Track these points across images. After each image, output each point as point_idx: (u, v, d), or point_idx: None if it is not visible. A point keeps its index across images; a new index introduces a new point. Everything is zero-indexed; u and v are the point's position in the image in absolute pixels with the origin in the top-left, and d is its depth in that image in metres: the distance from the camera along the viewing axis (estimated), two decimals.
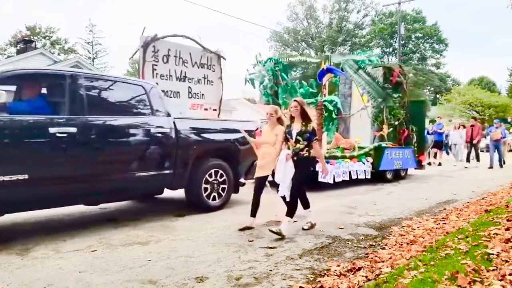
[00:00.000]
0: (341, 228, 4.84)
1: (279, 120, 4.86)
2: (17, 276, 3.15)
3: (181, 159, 5.27)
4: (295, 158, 4.49)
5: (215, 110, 8.12)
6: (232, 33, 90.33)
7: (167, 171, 5.13)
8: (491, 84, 51.60)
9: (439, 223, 5.09)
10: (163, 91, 6.56)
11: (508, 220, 4.51)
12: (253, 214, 4.79)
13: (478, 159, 14.62)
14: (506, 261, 3.07)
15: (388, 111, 10.01)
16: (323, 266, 3.45)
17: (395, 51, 45.34)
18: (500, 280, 2.68)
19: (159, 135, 5.08)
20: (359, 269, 3.28)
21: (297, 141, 4.49)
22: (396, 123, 10.27)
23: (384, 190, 8.36)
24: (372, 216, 5.65)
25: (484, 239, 3.78)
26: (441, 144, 15.44)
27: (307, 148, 4.47)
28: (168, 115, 5.28)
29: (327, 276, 3.16)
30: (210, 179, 5.66)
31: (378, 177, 9.44)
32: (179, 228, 4.77)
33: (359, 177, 8.74)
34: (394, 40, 47.24)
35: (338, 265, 3.41)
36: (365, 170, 8.94)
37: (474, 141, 14.33)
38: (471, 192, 8.11)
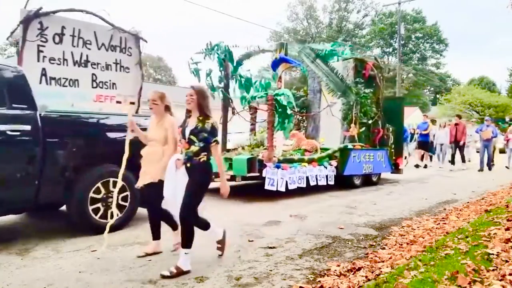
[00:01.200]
0: (341, 228, 4.84)
1: (167, 109, 3.80)
2: (17, 276, 3.15)
3: (51, 166, 4.04)
4: (188, 165, 3.35)
5: (133, 103, 6.48)
6: (232, 33, 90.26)
7: (25, 184, 3.87)
8: (491, 84, 51.60)
9: (439, 223, 5.09)
10: (53, 78, 5.62)
11: (508, 220, 4.51)
12: (155, 236, 3.80)
13: (463, 161, 13.73)
14: (506, 261, 3.07)
15: (359, 108, 8.83)
16: (323, 266, 3.45)
17: (395, 51, 45.35)
18: (500, 280, 2.68)
19: (13, 134, 3.79)
20: (359, 269, 3.28)
21: (190, 142, 3.33)
22: (370, 122, 9.18)
23: (384, 190, 8.36)
24: (372, 216, 5.65)
25: (484, 239, 3.78)
26: (427, 145, 14.32)
27: (204, 152, 3.31)
28: (32, 108, 4.00)
29: (327, 276, 3.16)
30: (101, 192, 4.39)
31: (343, 183, 8.36)
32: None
33: (319, 183, 7.58)
34: (394, 40, 47.24)
35: (338, 265, 3.41)
36: (327, 175, 7.78)
37: (461, 143, 13.36)
38: (471, 192, 8.12)
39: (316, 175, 7.55)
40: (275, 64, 8.38)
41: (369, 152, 8.76)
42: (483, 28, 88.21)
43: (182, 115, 3.48)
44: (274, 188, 6.65)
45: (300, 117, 10.39)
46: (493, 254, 3.27)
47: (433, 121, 34.30)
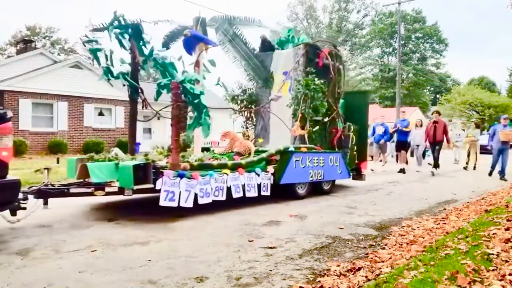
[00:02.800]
0: (341, 228, 4.84)
1: None
2: (17, 276, 3.15)
3: None
4: None
5: None
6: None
7: None
8: (491, 84, 51.64)
9: (439, 223, 5.09)
10: None
11: (508, 220, 4.51)
12: None
13: (436, 165, 11.62)
14: (506, 261, 3.07)
15: (308, 103, 7.29)
16: (323, 266, 3.45)
17: (395, 51, 45.36)
18: (500, 280, 2.69)
19: None
20: (359, 269, 3.29)
21: None
22: (326, 119, 7.83)
23: (384, 190, 8.36)
24: (372, 216, 5.65)
25: (484, 239, 3.78)
26: (406, 146, 12.60)
27: None
28: None
29: (327, 276, 3.16)
30: None
31: (282, 192, 6.87)
32: (179, 228, 4.77)
33: (248, 194, 6.12)
34: (394, 40, 47.26)
35: (338, 265, 3.41)
36: (259, 184, 6.33)
37: (437, 147, 11.50)
38: (471, 192, 8.12)
39: (244, 184, 6.08)
40: (188, 45, 6.65)
41: (318, 156, 7.18)
42: (483, 28, 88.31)
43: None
44: (173, 204, 5.13)
45: (248, 115, 8.92)
46: (493, 254, 3.27)
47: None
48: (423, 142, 12.08)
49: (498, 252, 3.31)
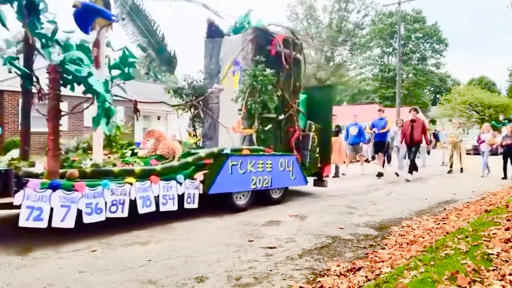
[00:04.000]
0: (341, 228, 4.84)
1: None
2: (17, 276, 3.15)
3: None
4: None
5: None
6: None
7: None
8: (491, 84, 51.64)
9: (439, 223, 5.09)
10: None
11: (508, 220, 4.51)
12: None
13: (413, 169, 10.23)
14: (506, 261, 3.07)
15: (256, 97, 6.24)
16: (323, 266, 3.45)
17: (395, 51, 45.35)
18: (500, 280, 2.69)
19: None
20: (359, 269, 3.29)
21: None
22: (281, 117, 6.81)
23: (384, 190, 8.35)
24: (372, 216, 5.65)
25: (484, 239, 3.78)
26: (384, 147, 11.17)
27: None
28: None
29: (327, 276, 3.16)
30: None
31: (217, 202, 5.76)
32: (179, 228, 4.77)
33: (163, 208, 4.94)
34: (394, 40, 47.24)
35: (338, 265, 3.41)
36: (181, 195, 5.15)
37: (413, 148, 10.04)
38: (471, 192, 8.11)
39: (158, 196, 4.89)
40: (81, 20, 4.81)
41: (265, 159, 6.08)
42: (483, 28, 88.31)
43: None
44: (42, 224, 3.93)
45: (195, 111, 7.81)
46: (493, 254, 3.27)
47: (434, 121, 34.34)
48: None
49: (498, 252, 3.31)
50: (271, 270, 3.33)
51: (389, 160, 13.05)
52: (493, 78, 69.16)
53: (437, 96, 51.04)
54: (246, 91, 6.29)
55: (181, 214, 5.53)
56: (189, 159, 5.49)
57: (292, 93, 7.14)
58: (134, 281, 3.07)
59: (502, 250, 3.36)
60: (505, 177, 10.42)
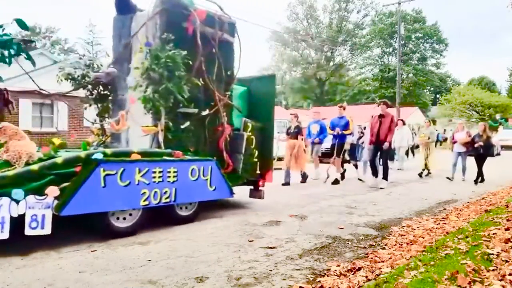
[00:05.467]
0: (341, 228, 4.84)
1: None
2: (17, 276, 3.15)
3: None
4: None
5: None
6: None
7: None
8: (491, 84, 51.67)
9: (439, 223, 5.09)
10: None
11: (508, 220, 4.51)
12: None
13: (385, 176, 8.86)
14: (506, 261, 3.07)
15: (158, 86, 4.81)
16: (323, 266, 3.45)
17: (395, 51, 45.34)
18: (500, 280, 2.69)
19: None
20: (359, 269, 3.29)
21: None
22: (205, 113, 5.43)
23: (384, 190, 8.35)
24: (372, 216, 5.65)
25: (484, 239, 3.79)
26: (342, 150, 9.52)
27: None
28: None
29: (327, 276, 3.16)
30: None
31: (90, 226, 4.49)
32: (179, 228, 4.77)
33: None
34: (394, 40, 47.23)
35: (338, 265, 3.41)
36: (14, 217, 3.67)
37: (385, 145, 8.43)
38: (471, 192, 8.11)
39: None
40: None
41: (164, 166, 4.65)
42: (483, 28, 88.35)
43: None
44: None
45: (103, 103, 6.25)
46: (493, 254, 3.28)
47: (434, 122, 34.31)
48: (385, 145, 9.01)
49: (498, 252, 3.31)
50: (271, 270, 3.33)
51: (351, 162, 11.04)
52: (493, 78, 69.27)
53: (437, 96, 51.06)
54: (143, 77, 4.91)
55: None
56: (35, 167, 3.90)
57: (221, 83, 5.72)
58: (134, 281, 3.07)
59: (502, 250, 3.36)
60: (477, 181, 9.56)
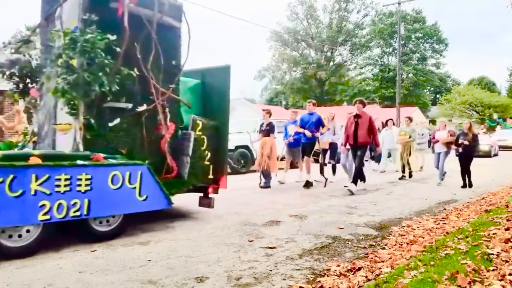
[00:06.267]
0: (341, 228, 4.84)
1: None
2: (17, 276, 3.15)
3: None
4: None
5: None
6: (232, 33, 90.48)
7: None
8: (491, 84, 51.68)
9: (439, 223, 5.09)
10: None
11: (508, 220, 4.51)
12: None
13: (361, 178, 8.08)
14: (506, 261, 3.07)
15: (85, 77, 4.01)
16: (323, 266, 3.45)
17: (395, 51, 45.34)
18: (500, 280, 2.69)
19: None
20: (359, 269, 3.29)
21: None
22: (141, 108, 4.70)
23: (384, 190, 8.35)
24: (372, 216, 5.65)
25: (484, 239, 3.78)
26: (312, 150, 8.72)
27: None
28: None
29: (327, 276, 3.16)
30: None
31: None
32: (179, 228, 4.77)
33: None
34: (394, 40, 47.24)
35: (338, 265, 3.41)
36: None
37: (359, 152, 7.75)
38: (471, 192, 8.11)
39: None
40: None
41: (73, 173, 3.84)
42: (483, 28, 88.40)
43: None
44: None
45: (30, 99, 5.36)
46: (493, 254, 3.27)
47: (434, 122, 34.26)
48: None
49: (498, 252, 3.31)
50: (271, 270, 3.33)
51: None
52: (493, 78, 69.31)
53: (437, 96, 51.07)
54: (58, 65, 4.13)
55: (181, 214, 5.55)
56: None
57: (163, 74, 4.90)
58: (134, 281, 3.07)
59: (502, 250, 3.36)
60: (464, 185, 8.72)
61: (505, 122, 33.97)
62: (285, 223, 5.13)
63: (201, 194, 5.58)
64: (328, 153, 9.29)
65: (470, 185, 8.76)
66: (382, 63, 51.59)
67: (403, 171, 10.26)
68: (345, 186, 8.03)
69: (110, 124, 4.46)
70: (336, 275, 3.17)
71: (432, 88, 54.79)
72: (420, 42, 50.71)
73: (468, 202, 6.83)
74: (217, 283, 3.05)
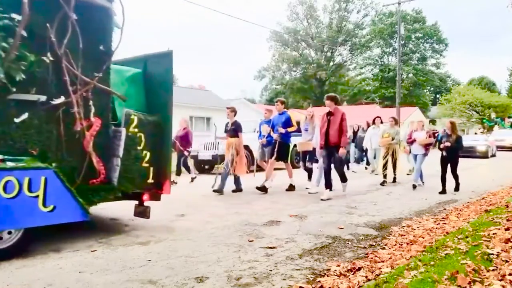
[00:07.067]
0: (341, 228, 4.84)
1: None
2: (17, 276, 3.15)
3: None
4: None
5: None
6: (232, 33, 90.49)
7: None
8: (491, 84, 51.71)
9: (439, 223, 5.09)
10: None
11: (508, 220, 4.51)
12: None
13: (343, 180, 7.51)
14: (506, 261, 3.07)
15: None
16: (323, 266, 3.45)
17: (395, 51, 45.34)
18: (500, 280, 2.68)
19: None
20: (359, 269, 3.29)
21: None
22: (58, 101, 3.91)
23: (384, 190, 8.35)
24: (372, 216, 5.65)
25: (484, 239, 3.78)
26: (287, 152, 8.13)
27: None
28: None
29: (327, 276, 3.16)
30: None
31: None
32: (179, 228, 4.77)
33: None
34: (394, 40, 47.25)
35: (338, 265, 3.41)
36: None
37: (339, 153, 6.95)
38: (471, 192, 8.11)
39: None
40: None
41: None
42: (483, 28, 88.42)
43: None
44: None
45: None
46: (493, 254, 3.27)
47: (433, 122, 34.23)
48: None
49: (498, 252, 3.31)
50: (271, 270, 3.33)
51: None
52: (493, 78, 69.32)
53: (437, 96, 51.07)
54: None
55: (181, 214, 5.54)
56: None
57: (85, 61, 4.13)
58: (134, 281, 3.07)
59: (502, 250, 3.36)
60: (443, 191, 7.87)
61: (503, 122, 33.97)
62: (285, 223, 5.13)
63: (137, 202, 4.75)
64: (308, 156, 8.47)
65: (457, 189, 8.18)
66: (382, 63, 51.62)
67: (385, 175, 9.25)
68: (322, 199, 6.90)
69: (17, 120, 3.71)
70: (336, 275, 3.16)
71: (432, 88, 54.83)
72: (420, 42, 50.74)
73: (468, 202, 6.83)
74: (217, 283, 3.05)
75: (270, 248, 3.98)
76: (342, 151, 6.96)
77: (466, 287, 2.62)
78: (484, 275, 2.82)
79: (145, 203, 4.70)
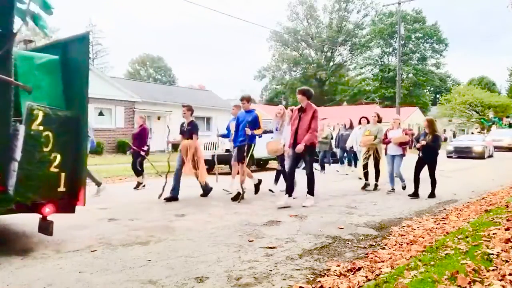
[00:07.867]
0: (341, 228, 4.84)
1: None
2: (17, 276, 3.15)
3: None
4: None
5: None
6: (232, 33, 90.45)
7: None
8: (491, 84, 51.74)
9: (439, 223, 5.09)
10: None
11: (508, 220, 4.51)
12: None
13: (310, 187, 6.43)
14: (506, 261, 3.07)
15: None
16: (323, 266, 3.45)
17: (395, 51, 45.34)
18: (500, 280, 2.69)
19: None
20: (359, 269, 3.29)
21: None
22: None
23: (384, 190, 8.34)
24: (372, 216, 5.64)
25: (484, 239, 3.78)
26: (241, 155, 7.05)
27: None
28: None
29: (327, 276, 3.16)
30: None
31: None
32: (179, 228, 4.77)
33: None
34: (394, 40, 47.26)
35: (338, 265, 3.41)
36: None
37: (302, 147, 6.03)
38: (471, 192, 8.11)
39: None
40: None
41: None
42: (483, 28, 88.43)
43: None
44: None
45: None
46: (493, 254, 3.27)
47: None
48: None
49: (498, 252, 3.31)
50: (271, 270, 3.33)
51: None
52: (493, 78, 69.36)
53: (437, 96, 51.10)
54: None
55: (181, 214, 5.54)
56: None
57: None
58: (134, 281, 3.07)
59: (502, 250, 3.36)
60: (415, 195, 7.26)
61: (500, 122, 33.95)
62: (285, 223, 5.13)
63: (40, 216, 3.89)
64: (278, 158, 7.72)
65: (433, 195, 7.29)
66: (382, 63, 51.62)
67: (366, 178, 8.40)
68: (303, 206, 6.17)
69: None
70: (336, 275, 3.16)
71: (432, 88, 54.85)
72: (420, 42, 50.76)
73: (468, 202, 6.83)
74: (217, 283, 3.05)
75: (270, 248, 3.98)
76: (299, 147, 6.07)
77: (466, 287, 2.62)
78: (484, 275, 2.82)
79: (49, 217, 3.83)
